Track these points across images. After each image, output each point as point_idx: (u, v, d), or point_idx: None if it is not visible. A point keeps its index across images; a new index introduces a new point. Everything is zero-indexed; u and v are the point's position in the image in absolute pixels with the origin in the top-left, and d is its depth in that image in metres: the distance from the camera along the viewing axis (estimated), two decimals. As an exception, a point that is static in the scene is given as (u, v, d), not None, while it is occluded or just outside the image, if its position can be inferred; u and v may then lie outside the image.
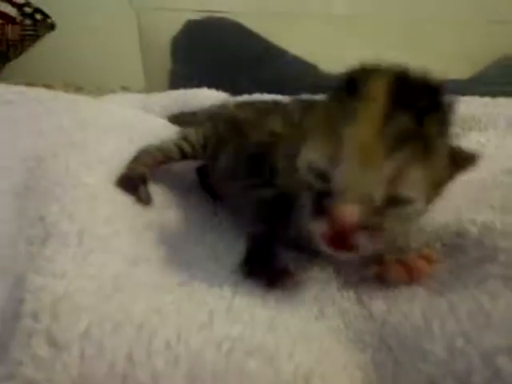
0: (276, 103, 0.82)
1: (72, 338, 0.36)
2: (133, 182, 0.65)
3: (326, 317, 0.49)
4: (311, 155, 0.46)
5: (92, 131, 0.73)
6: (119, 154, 0.70)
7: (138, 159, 0.69)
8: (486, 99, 1.09)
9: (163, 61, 1.54)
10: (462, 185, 0.67)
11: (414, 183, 0.42)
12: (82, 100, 0.90)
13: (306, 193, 0.47)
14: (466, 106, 1.01)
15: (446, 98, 0.45)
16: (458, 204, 0.62)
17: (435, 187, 0.46)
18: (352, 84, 0.45)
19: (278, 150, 0.61)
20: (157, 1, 1.57)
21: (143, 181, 0.66)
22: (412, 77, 0.45)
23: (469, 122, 0.98)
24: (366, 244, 0.43)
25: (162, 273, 0.52)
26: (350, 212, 0.41)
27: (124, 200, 0.60)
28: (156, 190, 0.69)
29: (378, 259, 0.52)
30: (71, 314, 0.38)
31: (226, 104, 0.95)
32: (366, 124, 0.42)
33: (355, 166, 0.41)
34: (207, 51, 1.43)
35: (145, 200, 0.64)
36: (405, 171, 0.42)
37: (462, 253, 0.51)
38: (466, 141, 0.87)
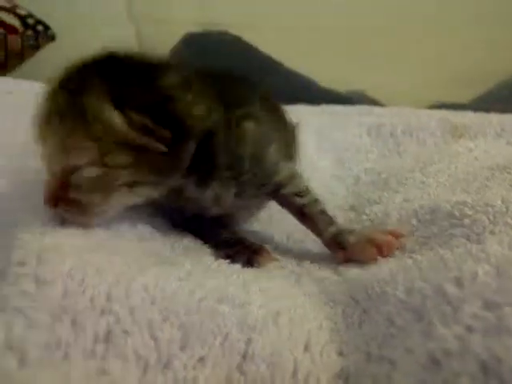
0: None
1: (55, 277, 0.39)
2: None
3: (301, 284, 0.51)
4: None
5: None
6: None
7: None
8: (479, 113, 1.14)
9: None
10: (446, 179, 0.70)
11: (76, 151, 0.47)
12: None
13: None
14: (458, 118, 1.06)
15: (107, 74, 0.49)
16: (438, 192, 0.66)
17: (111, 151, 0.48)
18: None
19: None
20: (157, 13, 1.61)
21: None
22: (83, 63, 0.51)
23: (459, 130, 1.03)
24: (66, 213, 0.48)
25: (141, 244, 0.53)
26: (45, 186, 0.48)
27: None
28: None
29: (339, 244, 0.54)
30: (56, 259, 0.41)
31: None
32: (40, 108, 0.48)
33: (39, 147, 0.48)
34: (205, 64, 1.46)
35: None
36: (66, 143, 0.47)
37: (433, 225, 0.54)
38: (457, 146, 0.90)
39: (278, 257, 0.57)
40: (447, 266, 0.38)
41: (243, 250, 0.56)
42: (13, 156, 0.67)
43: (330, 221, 0.57)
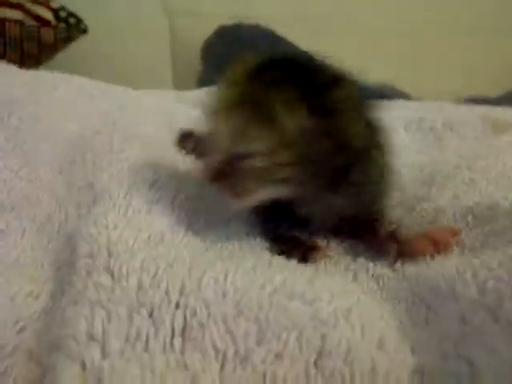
0: None
1: (129, 271, 0.40)
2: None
3: (359, 281, 0.51)
4: None
5: (132, 114, 0.78)
6: (159, 135, 0.73)
7: None
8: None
9: (193, 65, 1.59)
10: (496, 176, 0.69)
11: (253, 140, 0.49)
12: (122, 89, 0.94)
13: None
14: (498, 113, 1.06)
15: (299, 76, 0.50)
16: (490, 189, 0.65)
17: (283, 148, 0.50)
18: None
19: None
20: (190, 6, 1.61)
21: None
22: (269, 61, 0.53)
23: (501, 126, 1.02)
24: (221, 189, 0.52)
25: (202, 238, 0.54)
26: (208, 159, 0.52)
27: (165, 173, 0.63)
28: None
29: (395, 238, 0.54)
30: (126, 253, 0.42)
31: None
32: (221, 97, 0.51)
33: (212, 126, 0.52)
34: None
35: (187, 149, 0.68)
36: (246, 131, 0.49)
37: (492, 222, 0.53)
38: (499, 141, 0.90)
39: (331, 253, 0.57)
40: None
41: (298, 246, 0.56)
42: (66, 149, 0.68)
43: (389, 222, 0.58)
